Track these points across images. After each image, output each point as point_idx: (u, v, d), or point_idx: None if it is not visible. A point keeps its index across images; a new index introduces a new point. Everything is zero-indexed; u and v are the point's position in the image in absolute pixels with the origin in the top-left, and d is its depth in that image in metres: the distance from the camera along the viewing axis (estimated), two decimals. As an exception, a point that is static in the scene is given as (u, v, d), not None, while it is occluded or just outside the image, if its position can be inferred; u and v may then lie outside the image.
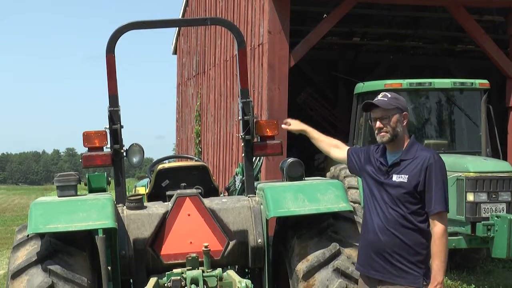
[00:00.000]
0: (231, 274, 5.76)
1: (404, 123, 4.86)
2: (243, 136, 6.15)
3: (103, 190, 6.54)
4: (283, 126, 5.82)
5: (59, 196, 5.74)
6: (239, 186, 7.19)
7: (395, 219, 4.72)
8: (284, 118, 11.85)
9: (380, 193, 4.82)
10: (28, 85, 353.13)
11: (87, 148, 5.92)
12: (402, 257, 4.72)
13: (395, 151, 4.86)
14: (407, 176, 4.72)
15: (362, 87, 12.00)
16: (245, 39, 6.64)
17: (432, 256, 4.69)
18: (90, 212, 5.45)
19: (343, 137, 16.44)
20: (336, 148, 5.46)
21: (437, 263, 4.65)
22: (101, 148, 5.92)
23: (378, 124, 4.84)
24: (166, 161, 8.30)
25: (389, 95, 4.89)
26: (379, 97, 4.89)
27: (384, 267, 4.77)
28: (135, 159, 6.26)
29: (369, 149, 5.12)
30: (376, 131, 4.87)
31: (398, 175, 4.76)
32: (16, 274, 5.31)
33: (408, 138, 4.89)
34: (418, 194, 4.70)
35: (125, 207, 5.98)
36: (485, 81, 11.59)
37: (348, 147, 5.38)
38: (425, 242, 4.74)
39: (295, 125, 5.76)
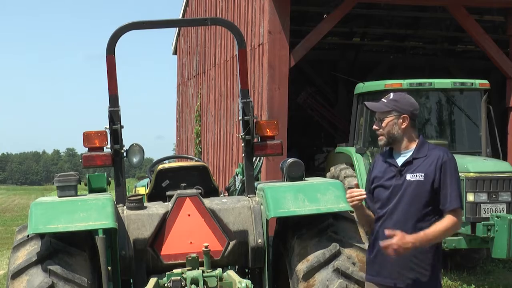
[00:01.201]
0: (231, 274, 5.76)
1: (404, 126, 4.75)
2: (243, 136, 6.15)
3: (103, 190, 6.55)
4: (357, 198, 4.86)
5: (59, 196, 5.74)
6: (239, 186, 7.19)
7: (410, 220, 4.61)
8: (284, 118, 12.04)
9: (392, 196, 4.70)
10: (28, 85, 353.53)
11: (87, 148, 5.92)
12: (419, 259, 4.62)
13: (405, 151, 4.77)
14: (422, 174, 4.63)
15: (362, 87, 12.01)
16: (245, 39, 6.64)
17: (431, 227, 4.55)
18: (90, 212, 5.45)
19: (343, 137, 16.52)
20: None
21: (428, 233, 4.49)
22: (101, 148, 5.92)
23: (374, 126, 4.82)
24: (166, 161, 8.30)
25: (391, 97, 4.81)
26: (383, 98, 4.87)
27: (401, 273, 4.65)
28: (135, 159, 6.26)
29: (372, 165, 5.00)
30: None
31: (412, 174, 4.66)
32: (16, 274, 5.32)
33: (417, 138, 4.82)
34: (434, 192, 4.61)
35: (125, 207, 5.98)
36: (485, 81, 11.59)
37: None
38: (440, 243, 4.69)
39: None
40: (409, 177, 4.68)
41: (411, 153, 4.76)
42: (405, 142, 4.77)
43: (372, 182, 4.89)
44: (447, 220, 4.59)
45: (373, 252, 4.85)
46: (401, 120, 4.76)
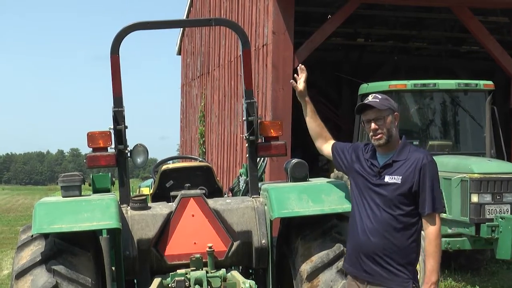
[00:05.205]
0: (235, 274, 5.76)
1: (396, 124, 4.86)
2: (247, 137, 6.15)
3: (107, 190, 6.55)
4: (292, 81, 5.60)
5: (63, 197, 5.74)
6: (243, 187, 7.18)
7: (387, 221, 4.70)
8: (288, 118, 12.05)
9: (370, 195, 4.79)
10: (32, 85, 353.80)
11: (91, 149, 5.92)
12: (393, 259, 4.71)
13: (387, 152, 4.83)
14: (400, 177, 4.70)
15: (366, 88, 12.00)
16: (249, 39, 6.63)
17: (426, 256, 4.69)
18: (94, 212, 5.45)
19: (347, 137, 16.51)
20: (324, 140, 5.45)
21: (432, 264, 4.65)
22: (105, 149, 5.92)
23: (373, 125, 4.80)
24: (170, 161, 8.30)
25: (380, 96, 4.89)
26: (370, 98, 4.88)
27: (374, 269, 4.75)
28: (139, 160, 6.25)
29: (357, 146, 5.08)
30: (371, 134, 4.82)
31: (390, 176, 4.73)
32: (20, 274, 5.32)
33: (400, 139, 4.88)
34: (412, 195, 4.69)
35: (129, 207, 5.98)
36: (490, 82, 11.58)
37: (333, 142, 5.38)
38: (415, 245, 4.76)
39: (302, 89, 5.52)
40: (387, 179, 4.75)
41: (392, 154, 4.80)
42: (394, 142, 4.84)
43: (354, 162, 5.00)
44: (431, 231, 4.68)
45: (351, 243, 4.97)
46: (394, 119, 4.85)
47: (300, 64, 5.61)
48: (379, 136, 4.79)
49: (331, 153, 5.32)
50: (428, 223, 4.68)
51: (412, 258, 4.75)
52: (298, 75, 5.56)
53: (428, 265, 4.66)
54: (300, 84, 5.50)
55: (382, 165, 4.80)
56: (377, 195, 4.76)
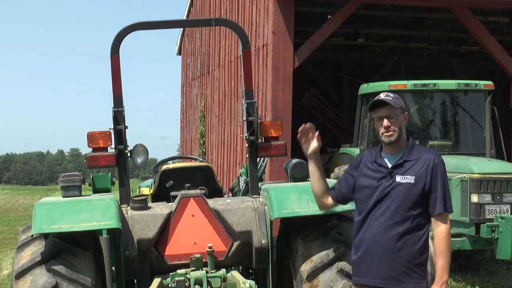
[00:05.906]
0: (235, 275, 5.76)
1: (405, 123, 4.85)
2: (247, 137, 6.15)
3: (107, 190, 6.56)
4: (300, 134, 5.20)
5: (63, 197, 5.75)
6: (243, 187, 7.19)
7: (399, 222, 4.65)
8: (288, 119, 12.05)
9: (380, 198, 4.72)
10: (32, 85, 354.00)
11: (91, 149, 5.93)
12: (406, 260, 4.66)
13: (396, 152, 4.80)
14: (413, 177, 4.66)
15: (366, 88, 12.00)
16: (249, 39, 6.63)
17: (436, 256, 4.66)
18: (94, 212, 5.45)
19: (348, 138, 16.52)
20: (327, 196, 5.12)
21: (442, 263, 4.63)
22: (105, 149, 5.93)
23: (386, 122, 4.73)
24: (170, 161, 8.31)
25: (392, 95, 4.85)
26: (382, 96, 4.83)
27: (387, 273, 4.69)
28: (139, 160, 6.26)
29: (357, 160, 4.99)
30: (382, 131, 4.75)
31: (402, 176, 4.69)
32: (20, 274, 5.32)
33: (407, 139, 4.87)
34: (425, 195, 4.66)
35: (129, 207, 5.98)
36: (490, 83, 11.59)
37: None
38: (426, 245, 4.73)
39: (314, 150, 5.12)
40: (398, 179, 4.71)
41: (401, 155, 4.78)
42: (403, 141, 4.82)
43: (358, 177, 4.89)
44: (441, 231, 4.67)
45: (359, 252, 4.86)
46: (404, 118, 4.83)
47: (306, 125, 5.16)
48: (390, 133, 4.73)
49: (336, 198, 5.09)
50: (438, 222, 4.66)
51: (424, 258, 4.72)
52: (304, 134, 5.18)
53: (438, 264, 4.63)
54: (316, 142, 5.10)
55: (393, 165, 4.75)
56: (388, 196, 4.70)
